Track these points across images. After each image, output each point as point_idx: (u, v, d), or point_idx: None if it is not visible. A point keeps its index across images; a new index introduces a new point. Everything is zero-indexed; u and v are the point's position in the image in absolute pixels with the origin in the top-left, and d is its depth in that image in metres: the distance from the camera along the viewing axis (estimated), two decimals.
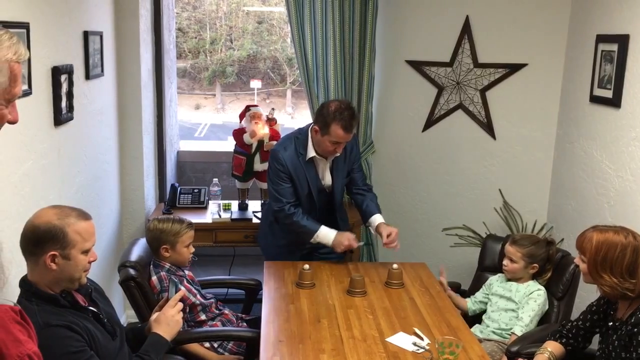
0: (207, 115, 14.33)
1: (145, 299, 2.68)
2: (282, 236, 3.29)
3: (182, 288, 2.73)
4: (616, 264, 2.14)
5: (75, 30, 2.99)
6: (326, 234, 3.12)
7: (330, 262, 3.26)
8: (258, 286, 3.24)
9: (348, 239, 3.12)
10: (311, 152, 3.13)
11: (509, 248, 2.97)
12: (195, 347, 2.73)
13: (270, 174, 3.18)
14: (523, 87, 4.02)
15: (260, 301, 3.36)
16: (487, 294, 3.06)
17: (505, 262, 2.98)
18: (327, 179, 3.25)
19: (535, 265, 2.93)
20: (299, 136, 3.17)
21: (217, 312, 2.95)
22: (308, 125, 3.21)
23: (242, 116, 4.04)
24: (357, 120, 3.05)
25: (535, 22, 3.93)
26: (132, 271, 2.66)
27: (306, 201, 3.20)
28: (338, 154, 3.12)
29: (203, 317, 2.86)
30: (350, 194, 3.42)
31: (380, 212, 3.28)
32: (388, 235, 3.10)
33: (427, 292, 2.91)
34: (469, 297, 3.15)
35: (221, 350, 2.82)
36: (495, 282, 3.06)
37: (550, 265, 2.96)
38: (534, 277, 2.98)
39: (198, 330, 2.78)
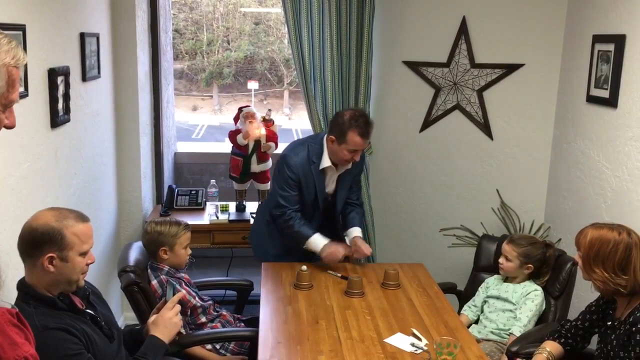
0: (205, 116, 14.33)
1: (148, 303, 2.66)
2: (278, 236, 3.28)
3: (183, 291, 2.73)
4: (608, 260, 2.18)
5: (72, 31, 2.99)
6: (316, 242, 3.11)
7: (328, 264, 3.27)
8: (250, 287, 3.26)
9: (338, 252, 3.09)
10: (326, 162, 3.12)
11: (505, 246, 2.99)
12: (197, 350, 2.72)
13: (278, 178, 3.15)
14: (520, 87, 4.02)
15: (252, 302, 3.39)
16: (484, 296, 3.06)
17: (501, 260, 3.00)
18: (331, 188, 3.26)
19: (529, 265, 2.94)
20: (313, 144, 3.16)
21: (216, 313, 2.95)
22: (322, 134, 3.22)
23: (236, 119, 4.04)
24: (372, 127, 3.05)
25: (531, 22, 3.94)
26: (133, 276, 2.65)
27: (310, 208, 3.21)
28: (355, 161, 3.11)
29: (203, 319, 2.86)
30: None
31: (361, 227, 3.33)
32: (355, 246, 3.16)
33: (425, 292, 2.92)
34: (467, 306, 3.12)
35: (223, 352, 2.82)
36: (491, 283, 3.06)
37: (547, 268, 2.98)
38: (531, 277, 2.98)
39: (202, 332, 2.77)
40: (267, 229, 3.34)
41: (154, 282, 2.73)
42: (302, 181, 3.13)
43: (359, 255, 3.18)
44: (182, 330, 2.68)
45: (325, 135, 3.14)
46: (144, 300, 2.65)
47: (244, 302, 3.30)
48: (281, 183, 3.13)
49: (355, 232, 3.28)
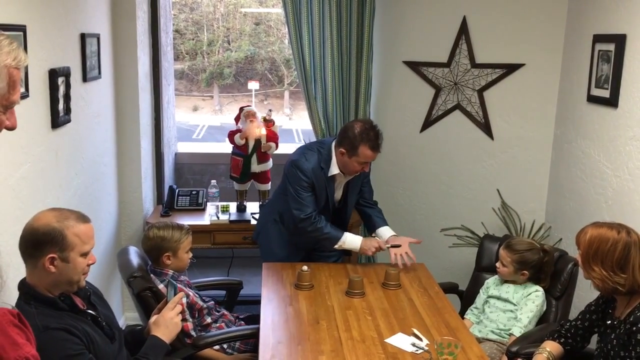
0: (205, 116, 14.33)
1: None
2: (287, 236, 3.28)
3: (190, 292, 2.74)
4: (607, 258, 2.19)
5: (73, 32, 2.99)
6: (352, 240, 3.16)
7: (329, 263, 3.27)
8: (240, 286, 3.28)
9: (378, 241, 3.20)
10: (334, 170, 3.13)
11: (501, 251, 2.99)
12: (207, 351, 2.73)
13: (292, 182, 3.12)
14: (520, 87, 4.03)
15: (241, 302, 3.40)
16: (485, 297, 3.05)
17: (498, 264, 3.00)
18: (338, 194, 3.28)
19: (525, 272, 2.92)
20: (322, 150, 3.16)
21: (218, 314, 2.95)
22: (328, 140, 3.23)
23: (237, 119, 4.04)
24: (382, 139, 3.08)
25: (532, 22, 3.94)
26: (144, 282, 2.65)
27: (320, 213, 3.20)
28: (364, 172, 3.18)
29: (209, 320, 2.87)
30: (356, 205, 3.44)
31: (388, 225, 3.35)
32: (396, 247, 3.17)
33: (426, 292, 2.92)
34: (469, 310, 3.12)
35: (230, 351, 2.84)
36: (492, 284, 3.06)
37: (545, 275, 2.96)
38: (531, 280, 2.96)
39: (214, 333, 2.76)
40: (274, 228, 3.33)
41: (161, 286, 2.73)
42: (316, 186, 3.13)
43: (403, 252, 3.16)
44: (193, 333, 2.69)
45: (333, 144, 3.13)
46: (156, 305, 2.65)
47: (234, 301, 3.32)
48: (296, 186, 3.11)
49: (388, 231, 3.30)
